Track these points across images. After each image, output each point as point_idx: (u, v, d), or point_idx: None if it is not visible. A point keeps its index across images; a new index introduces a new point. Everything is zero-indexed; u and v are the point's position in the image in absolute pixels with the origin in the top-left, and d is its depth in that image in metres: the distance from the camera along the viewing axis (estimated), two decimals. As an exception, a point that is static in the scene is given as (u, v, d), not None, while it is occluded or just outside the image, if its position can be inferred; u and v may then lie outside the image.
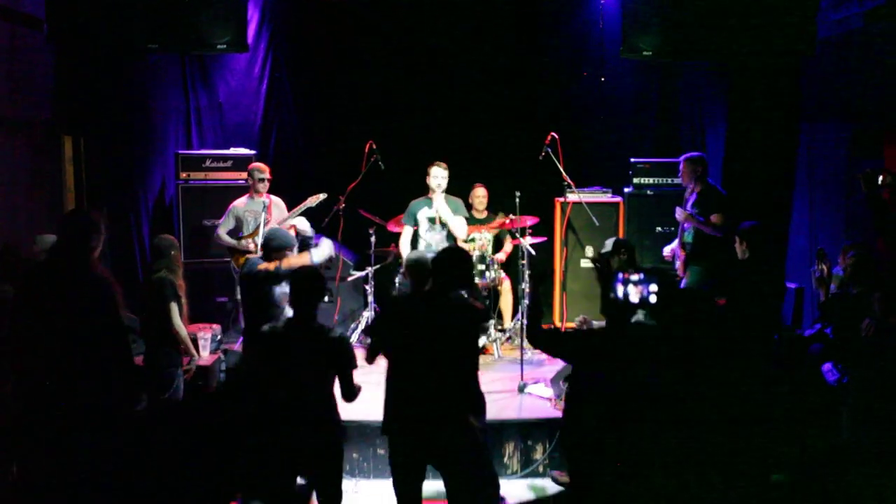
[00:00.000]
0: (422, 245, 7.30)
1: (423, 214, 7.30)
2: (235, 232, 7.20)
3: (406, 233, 7.42)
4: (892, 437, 4.16)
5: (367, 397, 6.66)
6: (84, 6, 6.61)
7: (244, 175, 7.86)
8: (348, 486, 5.92)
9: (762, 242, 5.81)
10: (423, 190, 7.34)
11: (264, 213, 6.97)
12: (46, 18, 6.58)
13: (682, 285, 6.80)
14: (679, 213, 6.87)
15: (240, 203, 7.24)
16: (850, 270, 5.71)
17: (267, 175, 7.19)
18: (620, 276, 2.81)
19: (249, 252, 7.06)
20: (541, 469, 5.97)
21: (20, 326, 4.25)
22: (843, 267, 5.99)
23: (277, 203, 7.28)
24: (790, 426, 4.36)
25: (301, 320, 4.38)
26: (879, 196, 5.14)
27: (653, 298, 2.78)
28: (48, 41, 6.71)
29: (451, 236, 7.31)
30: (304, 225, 5.78)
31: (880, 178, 5.10)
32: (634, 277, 2.79)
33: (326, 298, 8.15)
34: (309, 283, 4.39)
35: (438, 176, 7.16)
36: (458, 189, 7.54)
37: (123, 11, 6.67)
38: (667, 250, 7.16)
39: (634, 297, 2.78)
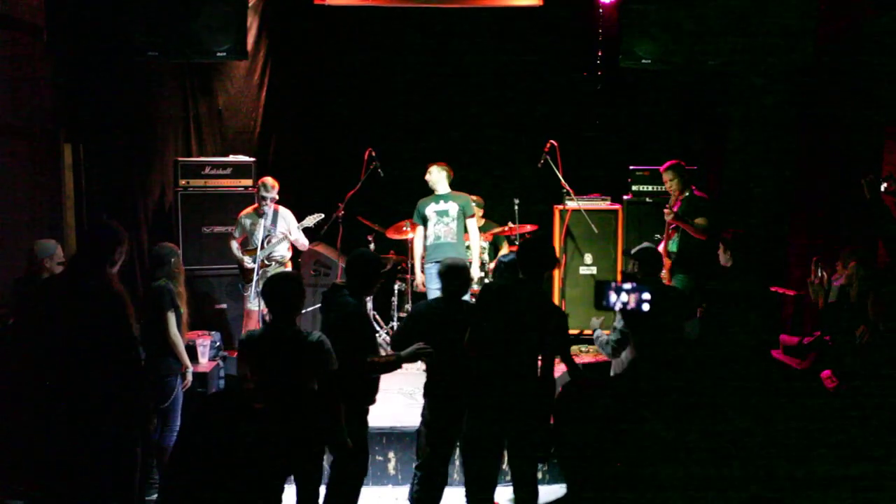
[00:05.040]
0: (430, 239, 7.27)
1: (430, 210, 7.29)
2: (246, 243, 7.17)
3: (417, 233, 7.42)
4: (889, 444, 4.16)
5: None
6: (84, 14, 6.63)
7: (244, 182, 7.90)
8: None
9: (746, 250, 5.80)
10: (422, 197, 7.35)
11: (263, 231, 6.95)
12: (46, 26, 6.60)
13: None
14: (667, 214, 6.87)
15: (245, 213, 7.21)
16: (850, 278, 5.71)
17: (272, 194, 6.98)
18: (613, 284, 2.81)
19: (248, 267, 7.02)
20: (540, 475, 5.96)
21: (29, 335, 4.26)
22: (841, 273, 5.99)
23: (284, 215, 7.13)
24: (787, 433, 4.35)
25: (279, 326, 4.40)
26: (882, 202, 5.15)
27: (646, 307, 2.78)
28: (48, 49, 6.72)
29: (460, 228, 7.28)
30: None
31: (884, 185, 5.10)
32: (627, 286, 2.79)
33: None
34: (290, 288, 4.44)
35: (433, 173, 7.28)
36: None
37: (123, 19, 6.68)
38: None
39: (629, 306, 2.79)
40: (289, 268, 7.27)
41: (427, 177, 7.32)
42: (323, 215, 7.23)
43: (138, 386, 4.34)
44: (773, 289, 7.11)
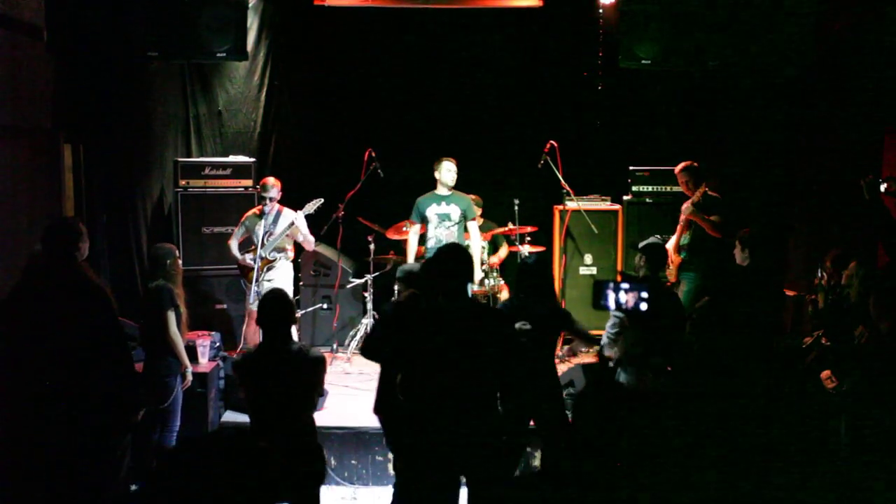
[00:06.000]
0: (432, 241, 7.20)
1: (432, 211, 7.21)
2: (248, 244, 7.16)
3: (413, 231, 7.32)
4: (889, 444, 4.15)
5: (365, 405, 6.69)
6: (84, 15, 6.63)
7: (243, 182, 7.92)
8: (346, 493, 5.94)
9: (762, 248, 5.80)
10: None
11: (264, 229, 6.94)
12: (47, 27, 6.60)
13: (680, 291, 6.81)
14: (685, 209, 6.87)
15: (249, 214, 7.20)
16: (850, 279, 5.70)
17: (270, 193, 6.96)
18: (611, 284, 2.81)
19: (249, 267, 7.01)
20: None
21: (10, 335, 4.24)
22: (833, 272, 6.00)
23: (287, 215, 7.07)
24: (788, 433, 4.35)
25: (275, 344, 4.26)
26: (882, 202, 5.14)
27: (643, 306, 2.78)
28: (48, 49, 6.72)
29: (461, 232, 7.22)
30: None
31: (884, 186, 5.09)
32: (625, 285, 2.79)
33: (325, 306, 8.19)
34: (279, 306, 4.30)
35: (452, 170, 7.17)
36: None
37: (123, 20, 6.69)
38: None
39: (627, 305, 2.79)
40: (291, 259, 7.26)
41: (439, 172, 7.16)
42: (322, 200, 7.16)
43: (127, 376, 4.32)
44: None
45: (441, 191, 7.24)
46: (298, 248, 7.34)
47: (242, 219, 7.20)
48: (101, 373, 4.16)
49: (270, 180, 7.08)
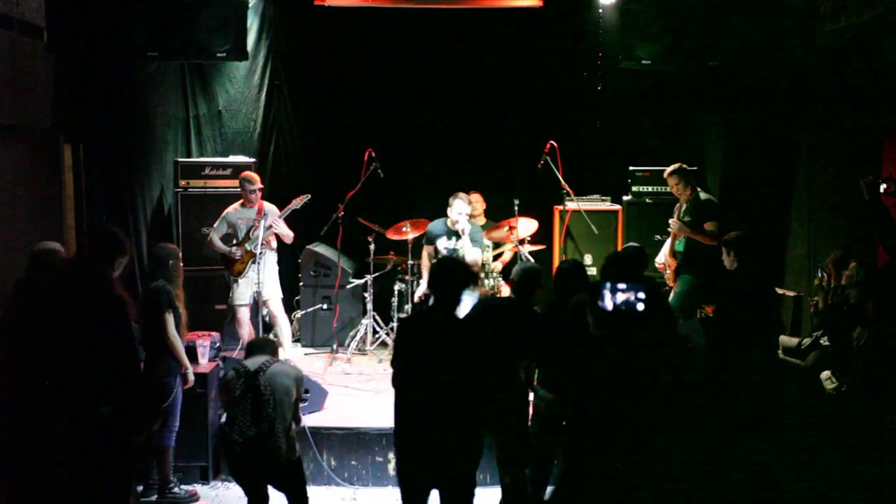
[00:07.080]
0: None
1: (441, 244, 7.13)
2: (229, 238, 7.18)
3: (427, 252, 7.30)
4: (889, 443, 4.15)
5: (365, 406, 6.69)
6: (84, 15, 6.64)
7: (241, 182, 7.92)
8: (346, 493, 5.93)
9: (750, 251, 5.79)
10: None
11: (253, 222, 6.96)
12: (47, 27, 6.61)
13: (672, 294, 6.80)
14: (673, 225, 6.85)
15: (232, 209, 7.21)
16: (850, 279, 5.71)
17: (257, 186, 7.06)
18: (608, 284, 2.81)
19: (237, 260, 7.03)
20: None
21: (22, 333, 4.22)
22: (833, 273, 5.99)
23: (270, 210, 7.14)
24: (788, 433, 4.35)
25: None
26: (881, 202, 5.13)
27: (640, 306, 2.78)
28: (48, 49, 6.73)
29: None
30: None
31: (883, 186, 5.09)
32: (622, 285, 2.79)
33: (325, 306, 8.20)
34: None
35: (462, 210, 6.91)
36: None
37: (123, 20, 6.69)
38: (659, 260, 7.15)
39: (625, 305, 2.79)
40: (274, 250, 7.27)
41: (451, 209, 6.97)
42: (309, 196, 7.18)
43: (136, 397, 4.32)
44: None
45: (460, 224, 6.98)
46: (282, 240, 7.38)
47: (223, 214, 7.20)
48: (110, 378, 4.15)
49: (253, 174, 7.18)
